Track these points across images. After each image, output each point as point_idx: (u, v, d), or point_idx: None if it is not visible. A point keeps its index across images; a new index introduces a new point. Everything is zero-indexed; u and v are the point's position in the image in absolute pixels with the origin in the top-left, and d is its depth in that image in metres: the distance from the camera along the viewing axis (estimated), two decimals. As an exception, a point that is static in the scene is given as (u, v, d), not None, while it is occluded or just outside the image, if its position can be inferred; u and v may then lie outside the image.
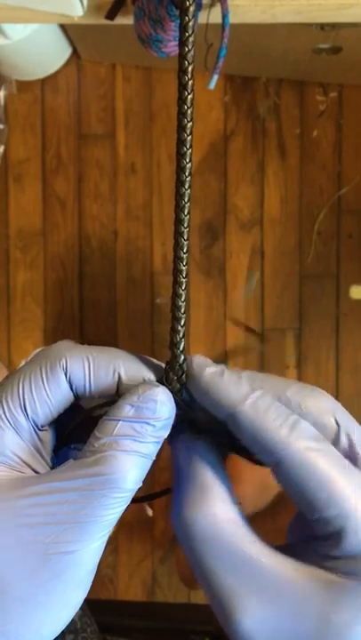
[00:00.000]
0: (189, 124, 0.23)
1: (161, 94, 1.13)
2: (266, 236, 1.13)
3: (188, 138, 0.23)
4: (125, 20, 0.55)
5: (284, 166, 1.13)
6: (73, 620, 0.60)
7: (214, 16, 0.54)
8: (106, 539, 0.23)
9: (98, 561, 0.24)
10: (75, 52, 1.13)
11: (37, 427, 0.24)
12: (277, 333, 1.13)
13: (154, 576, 1.15)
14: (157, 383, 0.25)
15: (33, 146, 1.15)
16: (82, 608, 0.62)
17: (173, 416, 0.25)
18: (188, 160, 0.23)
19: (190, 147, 0.23)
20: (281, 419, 0.23)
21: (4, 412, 0.24)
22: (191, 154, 0.23)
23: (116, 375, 0.25)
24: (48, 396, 0.24)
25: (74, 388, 0.25)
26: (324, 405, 0.24)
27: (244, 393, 0.23)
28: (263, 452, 0.23)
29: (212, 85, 0.54)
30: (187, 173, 0.23)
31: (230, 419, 0.23)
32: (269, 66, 1.09)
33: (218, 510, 0.24)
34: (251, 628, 0.22)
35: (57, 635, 0.23)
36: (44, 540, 0.22)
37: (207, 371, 0.24)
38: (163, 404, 0.24)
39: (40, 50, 1.06)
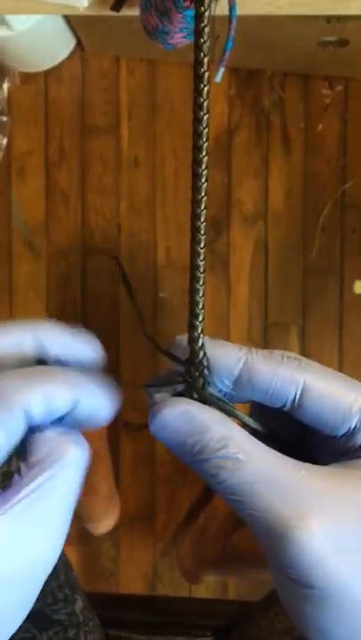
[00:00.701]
0: (206, 117, 0.23)
1: (165, 87, 1.13)
2: (270, 231, 1.13)
3: (205, 131, 0.23)
4: (131, 11, 0.55)
5: (288, 160, 1.12)
6: (75, 613, 0.60)
7: (221, 8, 0.53)
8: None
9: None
10: (78, 44, 1.12)
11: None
12: (281, 328, 1.13)
13: (155, 570, 1.15)
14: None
15: (36, 138, 1.15)
16: (84, 602, 0.62)
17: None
18: (204, 153, 0.23)
19: (207, 139, 0.23)
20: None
21: None
22: (208, 147, 0.23)
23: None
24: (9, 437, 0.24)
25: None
26: None
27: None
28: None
29: (219, 78, 0.53)
30: (203, 166, 0.23)
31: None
32: (275, 59, 1.08)
33: (252, 446, 0.24)
34: (316, 546, 0.22)
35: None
36: None
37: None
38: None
39: (43, 41, 1.06)
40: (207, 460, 0.23)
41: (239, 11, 0.54)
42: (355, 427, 0.25)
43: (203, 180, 0.23)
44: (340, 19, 0.84)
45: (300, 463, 0.24)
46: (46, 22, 0.99)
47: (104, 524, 1.07)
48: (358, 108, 1.11)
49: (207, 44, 0.22)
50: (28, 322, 0.26)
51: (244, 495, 0.22)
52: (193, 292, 0.25)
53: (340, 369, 1.11)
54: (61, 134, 1.14)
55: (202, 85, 0.22)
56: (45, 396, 0.23)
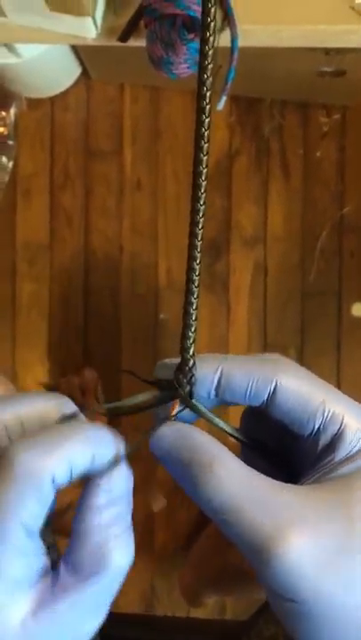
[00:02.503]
0: (206, 145, 0.24)
1: (167, 114, 1.16)
2: (269, 254, 1.15)
3: (205, 158, 0.24)
4: (137, 42, 0.57)
5: (287, 185, 1.15)
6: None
7: (224, 40, 0.56)
8: None
9: None
10: (84, 72, 1.16)
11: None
12: (279, 350, 1.14)
13: (153, 590, 1.15)
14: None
15: (41, 161, 1.17)
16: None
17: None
18: (203, 178, 0.24)
19: (207, 166, 0.25)
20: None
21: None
22: (208, 174, 0.25)
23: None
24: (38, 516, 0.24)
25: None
26: None
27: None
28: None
29: (221, 106, 0.56)
30: (202, 190, 0.25)
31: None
32: (274, 87, 1.11)
33: (235, 466, 0.25)
34: (297, 560, 0.22)
35: None
36: None
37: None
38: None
39: (50, 69, 1.09)
40: (196, 477, 0.24)
41: (242, 42, 0.56)
42: (319, 426, 0.26)
43: (202, 202, 0.25)
44: (339, 51, 0.87)
45: (281, 483, 0.24)
46: (53, 51, 1.02)
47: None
48: (355, 135, 1.14)
49: (210, 80, 0.24)
50: (50, 395, 0.27)
51: (228, 513, 0.23)
52: (187, 303, 0.27)
53: (338, 388, 1.12)
54: (66, 158, 1.17)
55: (204, 117, 0.24)
56: (69, 461, 0.23)
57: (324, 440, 0.26)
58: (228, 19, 0.52)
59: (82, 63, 1.13)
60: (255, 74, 1.02)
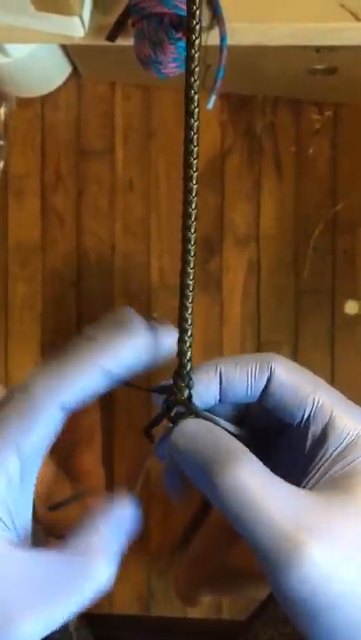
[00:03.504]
0: (196, 149, 0.24)
1: (160, 112, 1.15)
2: (262, 252, 1.15)
3: (195, 162, 0.24)
4: (126, 41, 0.57)
5: (280, 183, 1.15)
6: (68, 631, 0.60)
7: (212, 38, 0.55)
8: (60, 622, 0.25)
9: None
10: (75, 71, 1.15)
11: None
12: (273, 347, 1.14)
13: (150, 591, 1.15)
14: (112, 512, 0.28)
15: (32, 161, 1.17)
16: (77, 620, 0.62)
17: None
18: (194, 182, 0.24)
19: (197, 170, 0.25)
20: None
21: None
22: (198, 176, 0.25)
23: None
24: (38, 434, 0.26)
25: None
26: None
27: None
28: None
29: (210, 105, 0.55)
30: (193, 194, 0.25)
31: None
32: (266, 85, 1.11)
33: (250, 468, 0.25)
34: (314, 562, 0.22)
35: None
36: (8, 605, 0.24)
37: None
38: (128, 524, 0.29)
39: (40, 68, 1.08)
40: (216, 471, 0.24)
41: (231, 41, 0.56)
42: (310, 414, 0.27)
43: (193, 206, 0.25)
44: (330, 49, 0.87)
45: (297, 487, 0.25)
46: (43, 50, 1.02)
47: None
48: (348, 133, 1.14)
49: (197, 83, 0.24)
50: None
51: (247, 511, 0.23)
52: (182, 308, 0.27)
53: (332, 386, 1.12)
54: (58, 158, 1.16)
55: (192, 120, 0.24)
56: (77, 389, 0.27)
57: (314, 429, 0.27)
58: (216, 17, 0.52)
59: (72, 62, 1.13)
60: (246, 71, 1.02)
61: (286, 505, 0.23)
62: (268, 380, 0.27)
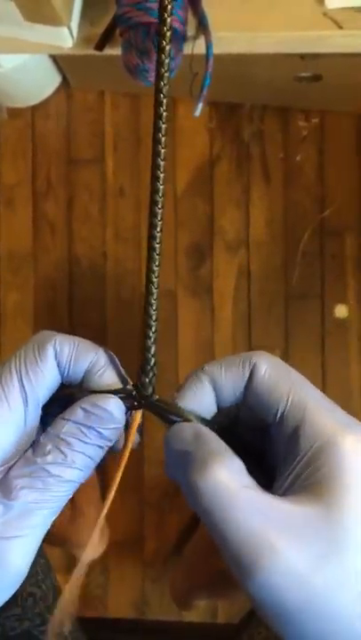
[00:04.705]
0: (163, 151, 0.25)
1: (148, 120, 1.16)
2: (252, 257, 1.16)
3: (162, 163, 0.25)
4: (113, 50, 0.58)
5: (268, 189, 1.16)
6: (65, 636, 0.60)
7: (199, 47, 0.57)
8: (42, 531, 0.25)
9: (31, 559, 0.25)
10: (64, 80, 1.16)
11: (26, 403, 0.27)
12: (265, 351, 1.15)
13: (144, 596, 1.15)
14: (110, 395, 0.27)
15: (24, 170, 1.17)
16: (73, 624, 0.63)
17: (120, 425, 0.27)
18: (161, 183, 0.25)
19: (164, 171, 0.26)
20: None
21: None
22: (164, 179, 0.26)
23: (90, 364, 0.28)
24: (40, 370, 0.28)
25: (61, 370, 0.28)
26: None
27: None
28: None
29: (197, 113, 0.56)
30: (159, 201, 0.26)
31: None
32: (253, 93, 1.12)
33: (227, 472, 0.25)
34: (281, 571, 0.22)
35: None
36: None
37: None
38: (110, 414, 0.27)
39: (30, 78, 1.09)
40: (202, 468, 0.25)
41: (217, 50, 0.57)
42: (283, 411, 0.27)
43: (159, 205, 0.26)
44: (315, 56, 0.88)
45: (270, 494, 0.25)
46: (33, 60, 1.03)
47: (93, 550, 1.07)
48: (334, 139, 1.15)
49: (167, 87, 0.25)
50: None
51: (216, 517, 0.24)
52: (147, 305, 0.28)
53: (324, 390, 1.12)
54: (48, 166, 1.17)
55: (160, 123, 0.25)
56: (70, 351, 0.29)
57: (286, 430, 0.26)
58: (202, 27, 0.53)
59: (62, 72, 1.14)
60: (234, 80, 1.03)
61: (255, 510, 0.23)
62: (250, 378, 0.27)
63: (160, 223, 0.27)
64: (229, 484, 0.24)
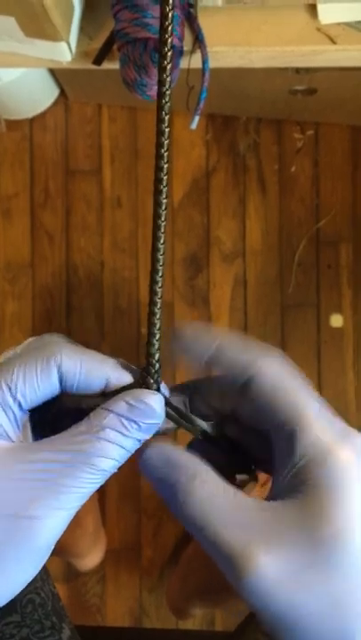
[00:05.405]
0: (166, 165, 0.26)
1: (145, 133, 1.18)
2: (248, 268, 1.17)
3: (165, 177, 0.26)
4: (112, 65, 0.59)
5: (264, 200, 1.17)
6: (62, 643, 0.60)
7: (195, 61, 0.58)
8: (69, 515, 0.26)
9: (56, 540, 0.26)
10: (62, 93, 1.18)
11: (21, 408, 0.27)
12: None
13: (141, 605, 1.15)
14: (154, 391, 0.28)
15: (22, 181, 1.19)
16: (71, 631, 0.63)
17: (160, 422, 0.28)
18: (164, 196, 0.26)
19: (166, 184, 0.27)
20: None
21: None
22: (167, 191, 0.27)
23: (104, 381, 0.28)
24: (38, 385, 0.27)
25: (63, 384, 0.28)
26: None
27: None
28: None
29: (194, 126, 0.57)
30: (163, 209, 0.27)
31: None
32: (249, 106, 1.14)
33: (213, 484, 0.26)
34: (264, 575, 0.23)
35: (9, 597, 0.25)
36: (16, 504, 0.25)
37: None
38: (153, 410, 0.27)
39: (29, 91, 1.10)
40: (178, 493, 0.26)
41: (213, 64, 0.58)
42: (282, 419, 0.27)
43: (162, 229, 0.27)
44: (308, 70, 0.90)
45: (255, 500, 0.26)
46: (32, 74, 1.04)
47: (90, 559, 1.07)
48: (328, 151, 1.17)
49: (169, 104, 0.26)
50: None
51: (204, 530, 0.25)
52: (151, 314, 0.28)
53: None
54: (46, 177, 1.19)
55: (163, 139, 0.26)
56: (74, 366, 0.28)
57: (283, 437, 0.27)
58: (198, 42, 0.54)
59: (60, 85, 1.15)
60: (230, 93, 1.05)
61: (241, 519, 0.24)
62: (251, 380, 0.28)
63: (163, 235, 0.27)
64: (206, 500, 0.25)
